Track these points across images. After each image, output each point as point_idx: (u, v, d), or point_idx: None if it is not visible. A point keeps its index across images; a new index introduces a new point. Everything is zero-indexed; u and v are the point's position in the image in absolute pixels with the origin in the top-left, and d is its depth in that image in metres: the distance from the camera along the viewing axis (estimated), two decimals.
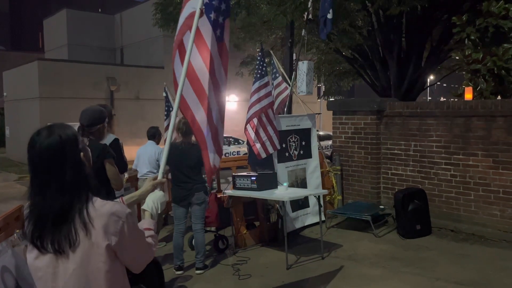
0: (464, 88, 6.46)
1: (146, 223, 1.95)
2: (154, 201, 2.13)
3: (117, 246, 1.56)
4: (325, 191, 5.89)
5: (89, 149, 1.81)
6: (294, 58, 9.53)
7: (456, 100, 6.57)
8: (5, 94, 19.60)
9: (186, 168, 4.83)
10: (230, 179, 6.01)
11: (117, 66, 19.39)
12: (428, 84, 14.76)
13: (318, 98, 22.39)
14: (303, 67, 6.57)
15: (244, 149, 17.14)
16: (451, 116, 5.96)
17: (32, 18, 38.22)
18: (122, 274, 1.66)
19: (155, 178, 2.27)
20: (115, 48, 22.78)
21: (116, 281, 1.61)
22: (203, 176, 4.89)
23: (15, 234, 3.59)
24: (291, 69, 8.88)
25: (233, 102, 20.90)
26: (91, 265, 1.54)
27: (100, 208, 1.57)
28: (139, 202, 2.12)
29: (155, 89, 18.71)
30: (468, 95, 6.17)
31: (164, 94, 8.19)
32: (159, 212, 2.14)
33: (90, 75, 17.15)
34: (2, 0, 39.24)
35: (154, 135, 6.44)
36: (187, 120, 4.88)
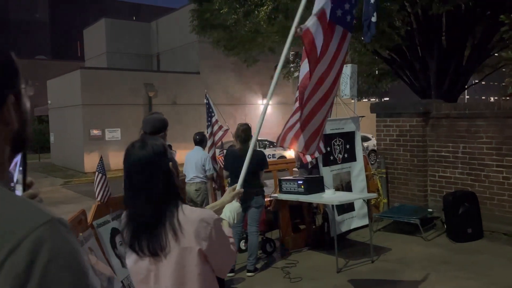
0: None
1: (225, 231, 2.05)
2: (231, 211, 2.22)
3: (207, 251, 1.65)
4: (374, 195, 5.87)
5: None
6: None
7: (507, 99, 6.40)
8: (49, 102, 20.39)
9: (245, 173, 4.94)
10: (267, 182, 6.08)
11: (154, 73, 19.85)
12: (470, 83, 14.38)
13: (352, 100, 22.18)
14: (346, 70, 6.56)
15: (279, 151, 17.20)
16: (502, 117, 5.82)
17: (71, 27, 39.61)
18: (213, 277, 1.75)
19: (234, 189, 2.37)
20: (152, 54, 23.32)
21: (209, 283, 1.70)
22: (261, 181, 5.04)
23: (78, 237, 3.79)
24: None
25: (268, 106, 21.00)
26: (186, 268, 1.64)
27: (190, 215, 1.67)
28: (219, 211, 2.22)
29: (191, 94, 19.05)
30: None
31: (206, 101, 8.30)
32: (235, 222, 2.22)
33: (128, 82, 17.63)
34: (42, 10, 40.84)
35: (202, 140, 6.59)
36: (246, 127, 5.03)
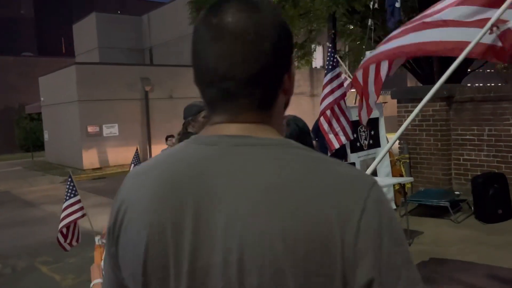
0: None
1: None
2: None
3: None
4: (411, 179, 5.91)
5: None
6: (337, 49, 9.50)
7: None
8: (42, 99, 19.98)
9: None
10: None
11: (150, 67, 19.62)
12: (471, 69, 14.60)
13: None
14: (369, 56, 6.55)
15: None
16: None
17: (57, 23, 38.83)
18: None
19: None
20: (144, 48, 23.03)
21: None
22: None
23: None
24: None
25: None
26: None
27: None
28: None
29: (188, 88, 18.86)
30: None
31: None
32: None
33: (124, 77, 17.38)
34: (27, 6, 39.93)
35: None
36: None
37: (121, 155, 17.23)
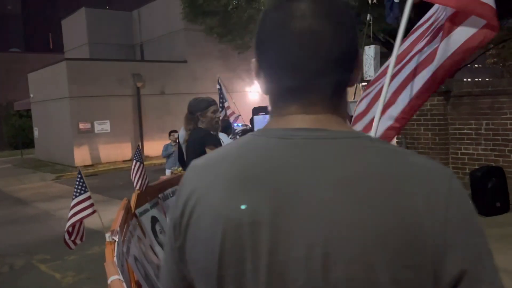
0: None
1: None
2: None
3: None
4: None
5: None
6: None
7: None
8: (31, 95, 19.70)
9: None
10: None
11: (142, 62, 19.44)
12: (462, 65, 14.71)
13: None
14: (370, 51, 6.58)
15: None
16: None
17: (44, 19, 38.29)
18: None
19: None
20: (134, 44, 22.81)
21: None
22: None
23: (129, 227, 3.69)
24: None
25: (254, 93, 20.91)
26: None
27: None
28: None
29: (179, 84, 18.76)
30: None
31: (218, 87, 8.21)
32: None
33: (116, 73, 17.21)
34: (14, 2, 39.31)
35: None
36: None
37: (113, 152, 17.09)
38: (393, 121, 2.95)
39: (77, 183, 3.41)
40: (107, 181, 13.54)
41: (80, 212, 3.24)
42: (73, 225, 3.33)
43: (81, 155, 16.59)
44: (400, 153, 0.72)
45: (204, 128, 3.55)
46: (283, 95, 0.76)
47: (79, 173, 3.48)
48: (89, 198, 3.35)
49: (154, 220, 4.69)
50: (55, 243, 6.84)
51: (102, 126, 17.02)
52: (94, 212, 3.46)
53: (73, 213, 3.26)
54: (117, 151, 17.23)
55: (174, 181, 5.99)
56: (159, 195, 5.13)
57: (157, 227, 4.78)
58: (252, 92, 20.78)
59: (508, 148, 6.24)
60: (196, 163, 0.80)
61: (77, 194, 3.27)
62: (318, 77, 0.72)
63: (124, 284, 2.00)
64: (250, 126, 10.78)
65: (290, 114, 0.75)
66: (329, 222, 0.65)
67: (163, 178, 6.72)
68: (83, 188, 3.33)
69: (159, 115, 18.37)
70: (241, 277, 0.68)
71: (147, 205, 4.61)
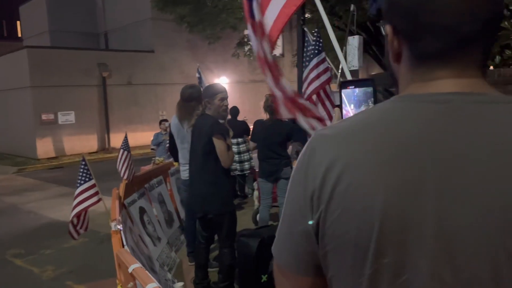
0: None
1: None
2: None
3: None
4: None
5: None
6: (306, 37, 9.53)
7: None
8: None
9: (274, 144, 4.92)
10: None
11: (107, 52, 18.84)
12: None
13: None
14: (354, 42, 6.60)
15: None
16: (502, 84, 6.20)
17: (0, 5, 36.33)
18: None
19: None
20: (99, 33, 22.08)
21: None
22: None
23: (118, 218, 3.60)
24: (303, 49, 8.85)
25: (223, 84, 20.79)
26: None
27: None
28: None
29: (147, 74, 18.36)
30: None
31: (198, 75, 8.08)
32: None
33: (80, 62, 16.61)
34: None
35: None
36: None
37: (78, 143, 16.54)
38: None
39: (81, 170, 3.26)
40: (73, 173, 13.09)
41: (85, 201, 3.10)
42: (78, 215, 3.18)
43: (44, 147, 15.98)
44: None
45: (211, 115, 3.50)
46: (430, 60, 0.72)
47: (83, 160, 3.34)
48: (94, 186, 3.22)
49: (142, 210, 4.59)
50: (27, 237, 6.57)
51: (67, 117, 16.44)
52: (99, 200, 3.33)
53: (78, 202, 3.11)
54: (83, 143, 16.69)
55: (158, 171, 5.89)
56: (145, 185, 5.03)
57: (145, 218, 4.68)
58: (220, 83, 20.62)
59: None
60: (324, 132, 0.76)
61: (82, 182, 3.13)
62: (472, 39, 0.69)
63: (146, 271, 1.95)
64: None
65: (439, 78, 0.71)
66: (506, 188, 0.63)
67: (144, 168, 6.58)
68: (88, 176, 3.18)
69: (126, 105, 17.94)
70: (402, 247, 0.65)
71: (134, 195, 4.50)
